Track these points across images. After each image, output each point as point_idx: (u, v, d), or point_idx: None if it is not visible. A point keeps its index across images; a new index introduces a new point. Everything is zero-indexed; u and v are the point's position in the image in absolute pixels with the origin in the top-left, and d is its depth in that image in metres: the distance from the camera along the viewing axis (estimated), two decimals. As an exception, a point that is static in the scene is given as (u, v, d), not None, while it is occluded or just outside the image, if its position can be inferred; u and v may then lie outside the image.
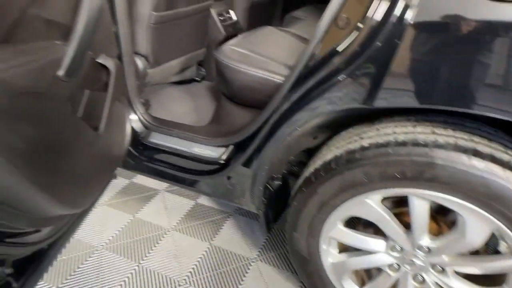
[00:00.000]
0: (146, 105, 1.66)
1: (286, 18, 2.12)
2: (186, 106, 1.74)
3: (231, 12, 2.00)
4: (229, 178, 1.22)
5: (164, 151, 1.37)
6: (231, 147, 1.23)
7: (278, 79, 1.18)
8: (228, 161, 1.22)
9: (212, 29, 1.86)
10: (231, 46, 1.36)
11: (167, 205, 1.70)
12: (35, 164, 0.67)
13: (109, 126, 1.07)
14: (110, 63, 1.03)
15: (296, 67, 0.96)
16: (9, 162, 0.59)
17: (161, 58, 1.55)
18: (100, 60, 1.02)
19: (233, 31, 1.99)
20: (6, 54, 0.61)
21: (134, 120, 1.37)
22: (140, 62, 1.47)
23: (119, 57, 1.24)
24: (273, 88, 1.15)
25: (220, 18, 1.89)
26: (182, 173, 1.34)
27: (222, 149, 1.26)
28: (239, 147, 1.20)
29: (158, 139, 1.38)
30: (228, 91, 1.37)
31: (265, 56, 1.31)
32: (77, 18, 0.80)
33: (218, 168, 1.24)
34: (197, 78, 1.98)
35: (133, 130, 1.34)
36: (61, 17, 0.82)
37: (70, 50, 0.74)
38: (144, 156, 1.40)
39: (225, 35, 1.91)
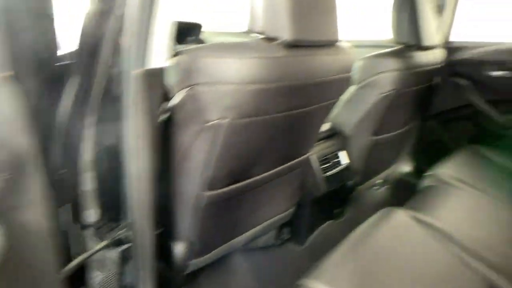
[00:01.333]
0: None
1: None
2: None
3: (341, 154, 1.37)
4: None
5: None
6: None
7: None
8: None
9: (309, 181, 1.26)
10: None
11: None
12: None
13: None
14: None
15: None
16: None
17: (215, 242, 0.99)
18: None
19: (340, 182, 1.36)
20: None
21: None
22: (177, 252, 0.93)
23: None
24: None
25: (323, 165, 1.29)
26: None
27: None
28: None
29: None
30: None
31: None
32: None
33: None
34: (276, 243, 1.36)
35: None
36: None
37: None
38: None
39: (326, 190, 1.28)
